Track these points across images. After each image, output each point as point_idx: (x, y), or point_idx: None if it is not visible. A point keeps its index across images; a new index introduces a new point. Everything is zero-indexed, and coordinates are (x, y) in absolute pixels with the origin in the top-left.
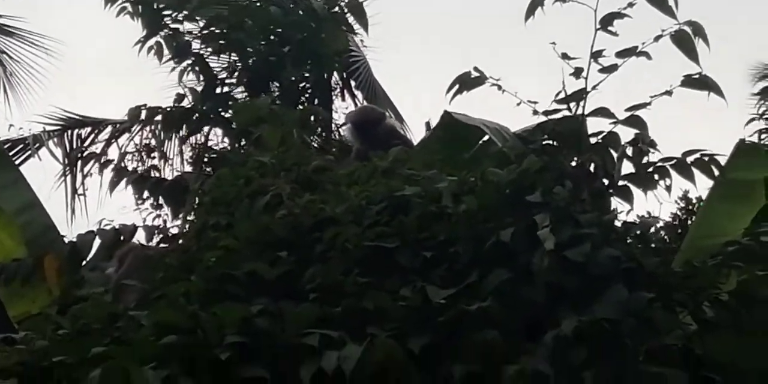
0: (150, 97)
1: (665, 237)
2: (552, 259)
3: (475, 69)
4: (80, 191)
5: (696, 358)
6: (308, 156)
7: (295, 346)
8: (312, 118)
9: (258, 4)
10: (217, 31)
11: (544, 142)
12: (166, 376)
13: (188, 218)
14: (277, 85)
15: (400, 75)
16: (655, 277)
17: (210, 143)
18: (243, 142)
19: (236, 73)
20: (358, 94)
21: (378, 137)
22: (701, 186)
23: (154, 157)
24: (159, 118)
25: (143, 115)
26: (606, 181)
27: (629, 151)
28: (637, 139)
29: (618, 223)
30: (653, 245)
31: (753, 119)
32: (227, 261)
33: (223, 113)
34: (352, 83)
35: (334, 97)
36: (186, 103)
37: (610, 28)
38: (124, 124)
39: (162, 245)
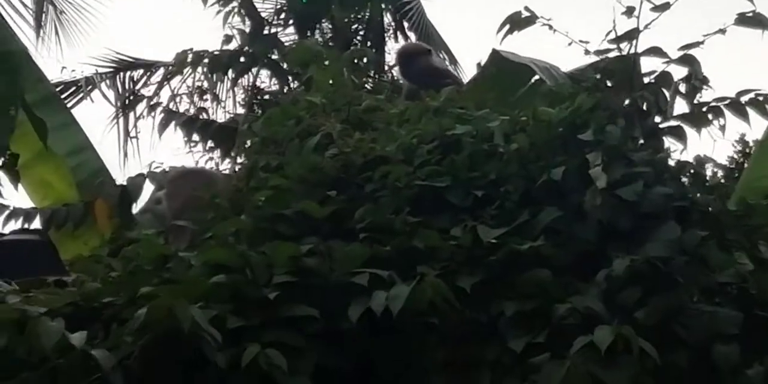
0: (205, 37)
1: (721, 178)
2: (604, 197)
3: (526, 8)
4: (133, 133)
5: (751, 297)
6: (359, 96)
7: (345, 286)
8: (364, 59)
9: None
10: None
11: (595, 81)
12: (215, 316)
13: (238, 160)
14: (330, 26)
15: (454, 16)
16: (709, 215)
17: (259, 85)
18: (293, 84)
19: (283, 14)
20: (412, 35)
21: (420, 69)
22: (757, 128)
23: (206, 99)
24: (206, 61)
25: (190, 59)
26: (659, 120)
27: (682, 87)
28: (690, 76)
29: (671, 162)
30: (707, 183)
31: None
32: (277, 200)
33: (271, 55)
34: (405, 25)
35: (387, 39)
36: (234, 44)
37: None
38: (175, 67)
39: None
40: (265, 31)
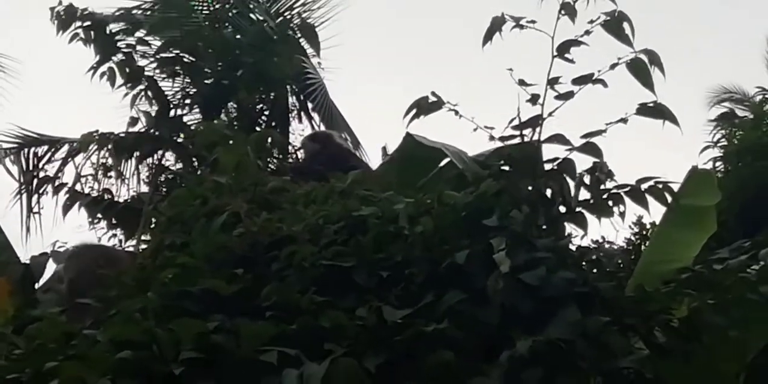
0: (108, 115)
1: (619, 262)
2: (507, 281)
3: (433, 94)
4: (36, 210)
5: (646, 382)
6: (264, 177)
7: (251, 363)
8: (268, 140)
9: (211, 24)
10: (170, 55)
11: (500, 167)
12: None
13: (143, 238)
14: (235, 107)
15: (358, 98)
16: (609, 301)
17: (164, 164)
18: (198, 165)
19: (189, 97)
20: (315, 116)
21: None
22: (655, 211)
23: (110, 177)
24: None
25: (96, 141)
26: (562, 208)
27: (587, 179)
28: (594, 168)
29: (573, 248)
30: (607, 269)
31: (707, 147)
32: (184, 278)
33: (176, 137)
34: (309, 105)
35: (291, 120)
36: (140, 126)
37: (567, 55)
38: (81, 146)
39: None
40: (171, 114)
